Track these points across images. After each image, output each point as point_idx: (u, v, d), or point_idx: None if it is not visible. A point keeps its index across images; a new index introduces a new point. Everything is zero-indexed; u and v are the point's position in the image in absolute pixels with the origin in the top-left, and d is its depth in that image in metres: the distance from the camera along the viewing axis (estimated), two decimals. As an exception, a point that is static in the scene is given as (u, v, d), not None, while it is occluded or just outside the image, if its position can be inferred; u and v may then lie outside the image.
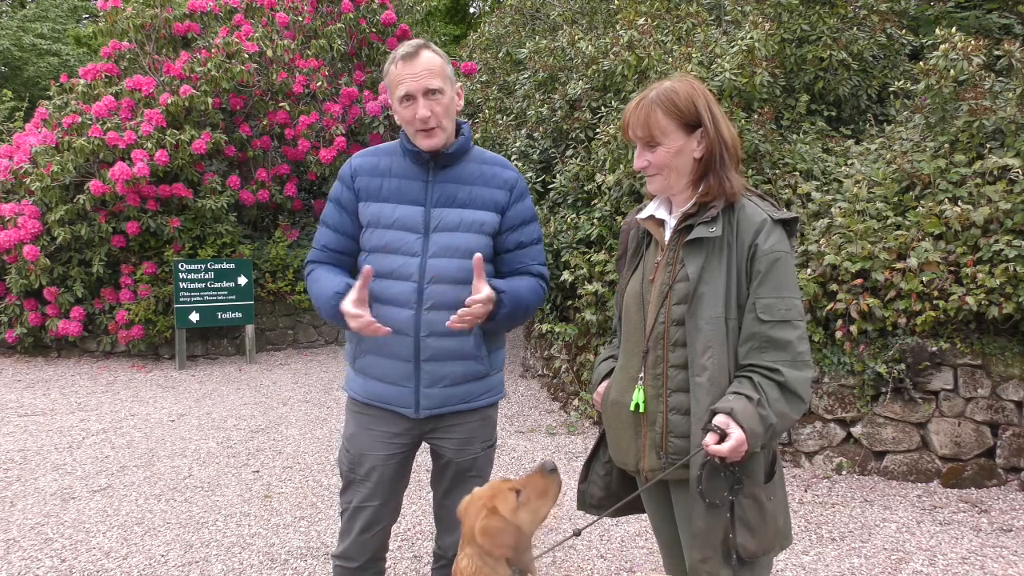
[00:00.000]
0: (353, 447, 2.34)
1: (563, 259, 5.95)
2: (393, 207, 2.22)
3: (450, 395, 2.25)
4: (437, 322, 2.17)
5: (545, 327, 6.19)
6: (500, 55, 9.51)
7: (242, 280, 8.27)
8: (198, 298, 8.06)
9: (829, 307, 4.44)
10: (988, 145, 4.66)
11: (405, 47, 2.17)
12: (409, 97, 2.14)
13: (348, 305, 2.09)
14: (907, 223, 4.52)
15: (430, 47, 2.18)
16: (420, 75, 2.12)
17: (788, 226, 1.85)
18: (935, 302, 4.23)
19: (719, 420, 1.70)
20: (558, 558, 3.53)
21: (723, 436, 1.69)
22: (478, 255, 2.11)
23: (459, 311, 2.08)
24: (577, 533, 1.92)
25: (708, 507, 1.77)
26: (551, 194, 6.43)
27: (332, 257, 2.31)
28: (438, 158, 2.22)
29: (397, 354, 2.22)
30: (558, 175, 6.35)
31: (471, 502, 1.83)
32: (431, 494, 2.55)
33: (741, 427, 1.68)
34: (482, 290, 2.09)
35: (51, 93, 9.61)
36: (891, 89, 5.85)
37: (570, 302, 6.07)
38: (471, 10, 19.36)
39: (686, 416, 1.83)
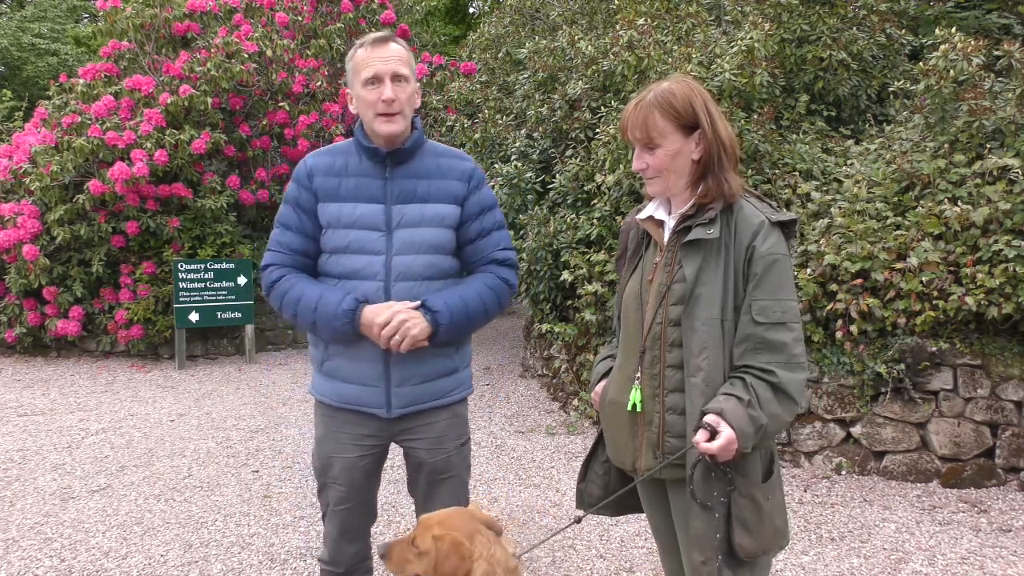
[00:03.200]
0: (323, 450, 2.32)
1: (563, 259, 5.95)
2: (353, 206, 2.19)
3: (421, 393, 2.23)
4: None
5: (545, 327, 6.19)
6: (500, 55, 9.49)
7: (242, 280, 8.27)
8: (198, 298, 8.06)
9: (829, 307, 4.44)
10: (988, 145, 4.66)
11: (375, 34, 2.20)
12: (376, 79, 2.13)
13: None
14: (907, 223, 4.52)
15: (398, 40, 2.21)
16: (390, 59, 2.13)
17: (786, 228, 1.85)
18: (935, 302, 4.23)
19: (709, 419, 1.72)
20: (557, 558, 3.53)
21: (713, 434, 1.70)
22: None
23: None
24: (578, 520, 1.93)
25: (702, 508, 1.78)
26: (551, 194, 6.42)
27: (296, 260, 2.25)
28: (394, 154, 2.20)
29: (366, 355, 2.18)
30: (558, 175, 6.34)
31: (450, 540, 1.75)
32: None
33: (731, 426, 1.69)
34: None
35: (51, 93, 9.61)
36: (891, 89, 5.85)
37: (570, 302, 6.07)
38: (471, 10, 19.33)
39: (683, 416, 1.83)
